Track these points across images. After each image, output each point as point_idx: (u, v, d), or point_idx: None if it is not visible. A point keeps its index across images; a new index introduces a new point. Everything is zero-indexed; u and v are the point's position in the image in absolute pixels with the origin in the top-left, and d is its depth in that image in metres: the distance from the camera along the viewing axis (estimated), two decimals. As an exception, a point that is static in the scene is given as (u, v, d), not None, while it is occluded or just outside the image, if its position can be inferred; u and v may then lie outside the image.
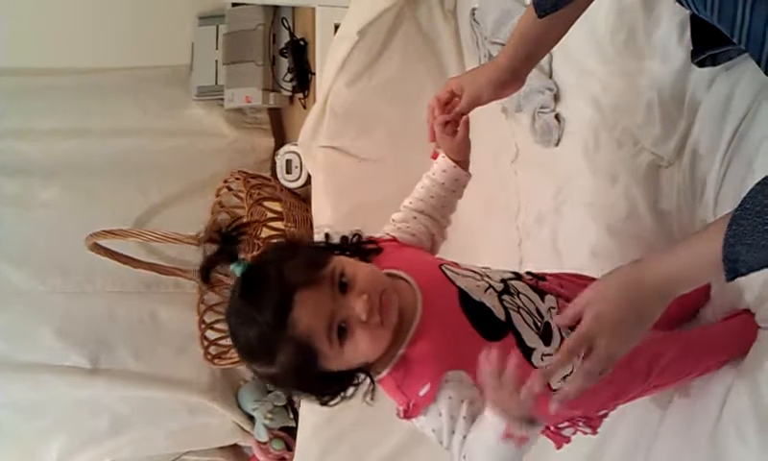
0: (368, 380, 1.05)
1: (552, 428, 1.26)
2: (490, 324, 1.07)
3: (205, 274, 1.02)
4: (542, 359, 1.11)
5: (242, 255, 1.03)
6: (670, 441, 1.39)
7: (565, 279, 1.29)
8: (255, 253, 1.11)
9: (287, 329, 0.95)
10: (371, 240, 1.15)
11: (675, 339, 1.33)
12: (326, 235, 1.14)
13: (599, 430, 1.29)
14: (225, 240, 1.03)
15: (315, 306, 0.96)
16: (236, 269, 1.01)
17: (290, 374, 1.01)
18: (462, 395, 0.99)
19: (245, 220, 1.11)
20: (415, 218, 1.23)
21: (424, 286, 1.08)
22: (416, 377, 1.02)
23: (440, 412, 1.00)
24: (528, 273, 1.25)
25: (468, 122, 1.23)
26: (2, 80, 2.54)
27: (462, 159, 1.25)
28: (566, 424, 1.25)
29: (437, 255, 1.23)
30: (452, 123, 1.23)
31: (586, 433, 1.28)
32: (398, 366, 1.04)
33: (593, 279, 1.32)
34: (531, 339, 1.10)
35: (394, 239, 1.20)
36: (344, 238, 1.14)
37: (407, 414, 1.03)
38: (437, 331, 1.05)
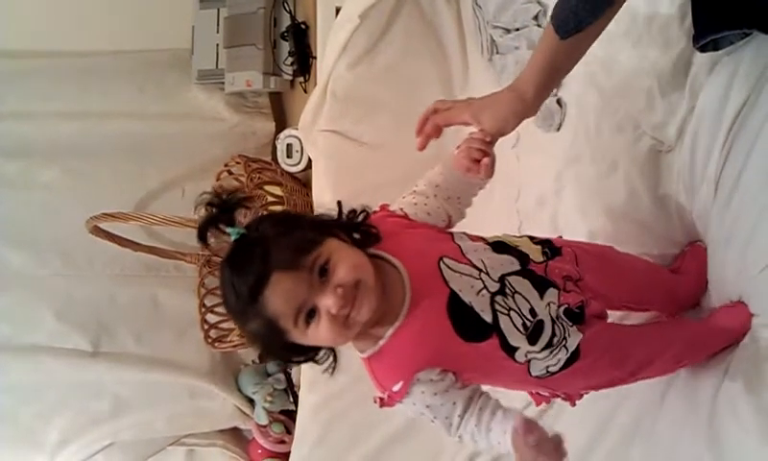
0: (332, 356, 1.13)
1: (534, 392, 1.29)
2: (473, 326, 1.10)
3: (203, 233, 1.06)
4: (526, 356, 1.13)
5: (240, 221, 1.07)
6: (670, 424, 1.40)
7: (583, 251, 1.29)
8: (257, 214, 1.14)
9: (257, 306, 1.01)
10: (373, 225, 1.15)
11: (679, 333, 1.36)
12: (339, 204, 1.15)
13: (580, 402, 1.31)
14: (224, 205, 1.06)
15: (288, 291, 1.01)
16: (232, 233, 1.05)
17: (257, 340, 1.09)
18: (434, 389, 1.08)
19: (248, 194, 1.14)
20: (435, 196, 1.21)
21: (415, 284, 1.10)
22: (390, 373, 1.09)
23: (414, 403, 1.09)
24: (546, 243, 1.25)
25: (488, 165, 1.20)
26: (2, 62, 2.54)
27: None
28: (548, 393, 1.28)
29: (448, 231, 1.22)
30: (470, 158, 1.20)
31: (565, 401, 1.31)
32: (377, 355, 1.10)
33: (611, 248, 1.36)
34: (516, 340, 1.12)
35: (405, 216, 1.19)
36: (350, 214, 1.14)
37: (383, 403, 1.10)
38: (417, 333, 1.09)
